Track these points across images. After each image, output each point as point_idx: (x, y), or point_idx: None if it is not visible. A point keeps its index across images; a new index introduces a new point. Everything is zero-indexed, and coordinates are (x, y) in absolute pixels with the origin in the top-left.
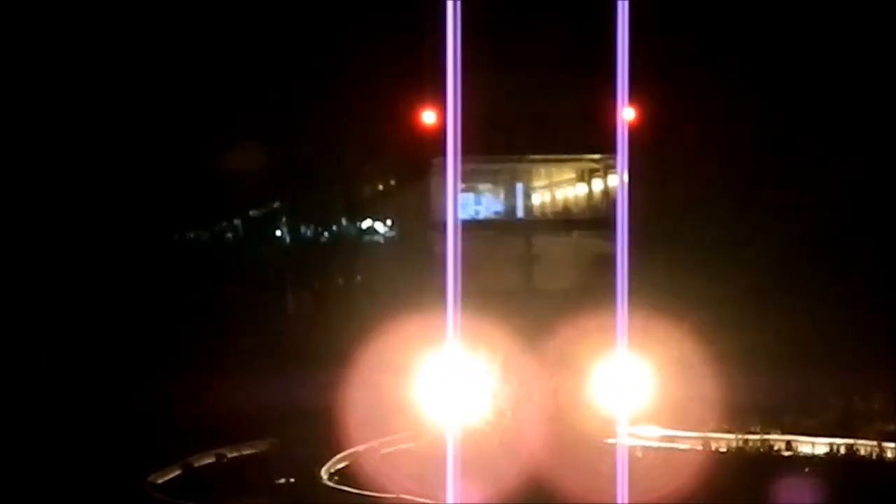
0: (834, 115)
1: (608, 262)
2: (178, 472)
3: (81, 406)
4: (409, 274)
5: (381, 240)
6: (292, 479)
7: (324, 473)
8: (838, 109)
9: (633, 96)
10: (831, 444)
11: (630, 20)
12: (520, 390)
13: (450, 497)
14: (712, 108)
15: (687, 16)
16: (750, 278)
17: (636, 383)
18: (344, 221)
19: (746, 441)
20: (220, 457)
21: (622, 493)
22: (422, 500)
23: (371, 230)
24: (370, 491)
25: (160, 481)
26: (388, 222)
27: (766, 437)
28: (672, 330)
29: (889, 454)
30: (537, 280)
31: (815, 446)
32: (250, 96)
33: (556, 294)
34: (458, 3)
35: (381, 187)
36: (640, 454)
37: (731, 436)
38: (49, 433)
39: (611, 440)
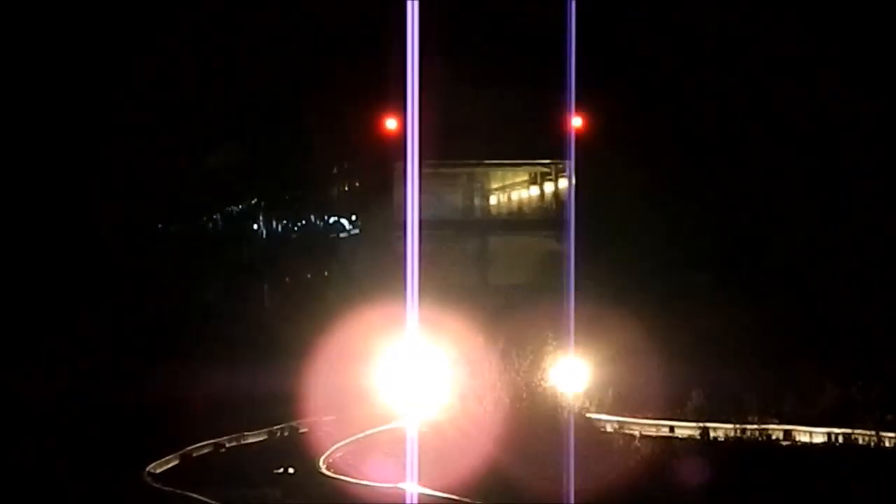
0: (766, 125)
1: (557, 259)
2: (176, 462)
3: (67, 396)
4: (372, 269)
5: (348, 237)
6: (291, 469)
7: (322, 463)
8: (771, 120)
9: (581, 106)
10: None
11: (578, 36)
12: (478, 376)
13: (411, 479)
14: (653, 116)
15: (629, 33)
16: (688, 274)
17: (582, 370)
18: (314, 219)
19: (744, 430)
20: (218, 446)
21: (568, 475)
22: (420, 488)
23: (338, 228)
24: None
25: (159, 471)
26: (354, 221)
27: (764, 427)
28: (617, 322)
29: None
30: (492, 276)
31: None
32: (232, 104)
33: (510, 289)
34: (418, 20)
35: (347, 188)
36: (637, 443)
37: (729, 425)
38: (43, 424)
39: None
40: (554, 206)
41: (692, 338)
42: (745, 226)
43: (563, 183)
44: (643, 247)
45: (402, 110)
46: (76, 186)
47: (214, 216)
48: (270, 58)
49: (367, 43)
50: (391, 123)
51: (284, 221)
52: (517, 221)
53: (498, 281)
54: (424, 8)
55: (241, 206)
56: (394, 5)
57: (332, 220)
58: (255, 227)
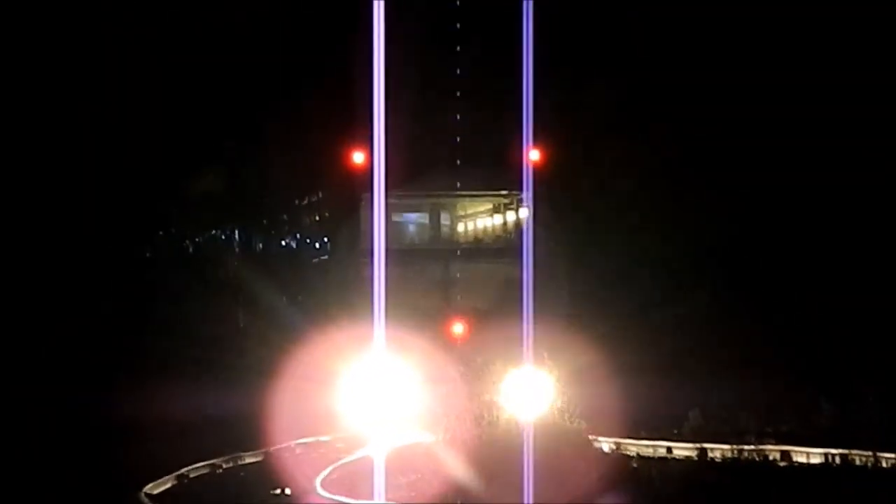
0: (721, 155)
1: (516, 284)
2: (172, 483)
3: (42, 413)
4: (342, 294)
5: (319, 262)
6: (287, 490)
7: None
8: (726, 148)
9: (538, 140)
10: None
11: (535, 75)
12: (444, 397)
13: (378, 497)
14: (607, 147)
15: (583, 71)
16: (642, 297)
17: (543, 389)
18: (287, 243)
19: (741, 451)
20: (214, 468)
21: (527, 491)
22: None
23: (310, 255)
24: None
25: (156, 492)
26: (325, 249)
27: (762, 447)
28: (574, 342)
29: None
30: (455, 300)
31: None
32: (209, 136)
33: (472, 312)
34: (384, 59)
35: (318, 218)
36: (635, 465)
37: (727, 446)
38: (24, 443)
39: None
40: (513, 235)
41: (656, 357)
42: (708, 249)
43: (522, 212)
44: (596, 273)
45: (368, 144)
46: (51, 207)
47: (197, 238)
48: (244, 93)
49: (336, 80)
50: (358, 157)
51: (261, 245)
52: (478, 249)
53: (461, 305)
54: (390, 45)
55: (217, 231)
56: (360, 44)
57: (305, 248)
58: (236, 249)
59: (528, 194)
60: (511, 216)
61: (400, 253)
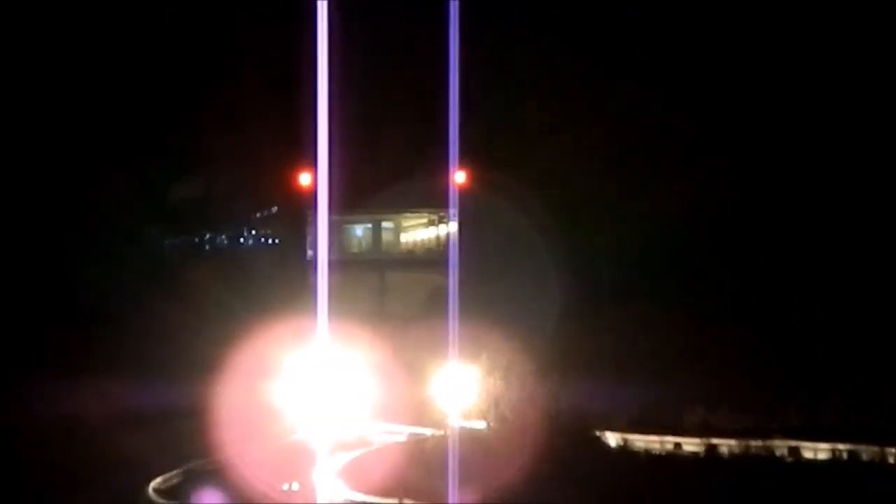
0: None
1: (444, 291)
2: (180, 478)
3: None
4: (289, 301)
5: (268, 274)
6: (296, 485)
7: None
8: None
9: (464, 162)
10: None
11: (461, 103)
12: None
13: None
14: (526, 169)
15: (502, 100)
16: (561, 307)
17: (467, 385)
18: (244, 241)
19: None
20: (222, 463)
21: (453, 484)
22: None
23: (262, 265)
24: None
25: (164, 487)
26: (277, 256)
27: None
28: (498, 345)
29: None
30: (389, 307)
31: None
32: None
33: (405, 317)
34: (328, 95)
35: (271, 231)
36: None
37: (733, 441)
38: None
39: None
40: (441, 248)
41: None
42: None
43: (449, 228)
44: (518, 283)
45: (314, 167)
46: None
47: (173, 241)
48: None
49: (287, 108)
50: (305, 178)
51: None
52: (410, 261)
53: (395, 311)
54: (334, 81)
55: (189, 236)
56: (306, 79)
57: (258, 260)
58: (207, 247)
59: (454, 211)
60: (441, 231)
61: (342, 263)
